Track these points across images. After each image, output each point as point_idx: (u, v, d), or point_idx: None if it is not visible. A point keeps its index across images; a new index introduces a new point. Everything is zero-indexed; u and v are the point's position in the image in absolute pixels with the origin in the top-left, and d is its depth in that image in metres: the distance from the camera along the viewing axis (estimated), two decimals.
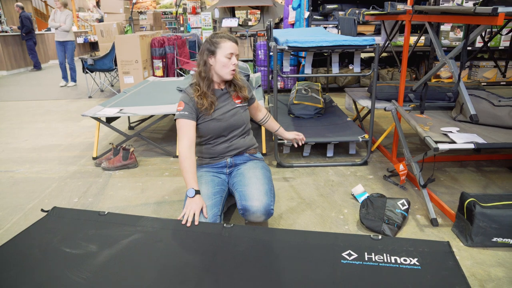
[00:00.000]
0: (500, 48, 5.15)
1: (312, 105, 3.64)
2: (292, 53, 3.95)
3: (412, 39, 4.99)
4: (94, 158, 3.11)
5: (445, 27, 5.18)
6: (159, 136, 3.74)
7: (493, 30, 3.30)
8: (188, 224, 1.71)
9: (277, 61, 2.69)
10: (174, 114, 3.26)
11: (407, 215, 2.05)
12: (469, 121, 2.29)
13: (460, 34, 5.26)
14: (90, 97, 5.81)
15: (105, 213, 1.89)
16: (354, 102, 3.75)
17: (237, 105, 2.04)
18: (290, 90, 5.54)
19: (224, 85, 2.04)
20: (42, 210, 1.92)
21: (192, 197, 1.78)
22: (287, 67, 2.82)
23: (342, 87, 5.64)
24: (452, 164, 2.82)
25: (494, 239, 1.81)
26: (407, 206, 2.03)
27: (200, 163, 2.10)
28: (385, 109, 2.75)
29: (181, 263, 1.50)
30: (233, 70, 1.95)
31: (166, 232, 1.73)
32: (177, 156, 3.13)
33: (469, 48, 4.89)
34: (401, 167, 2.41)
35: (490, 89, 3.09)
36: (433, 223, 2.02)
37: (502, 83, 5.47)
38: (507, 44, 5.15)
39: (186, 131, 1.90)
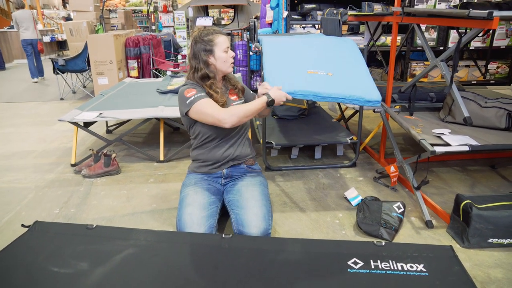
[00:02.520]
0: (471, 48, 5.33)
1: (296, 106, 3.61)
2: None
3: (388, 38, 5.07)
4: (72, 165, 2.95)
5: (423, 27, 5.30)
6: (139, 140, 3.60)
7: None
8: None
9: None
10: (157, 118, 3.15)
11: (403, 217, 2.04)
12: (458, 122, 2.32)
13: (434, 35, 5.40)
14: (61, 99, 5.54)
15: (93, 226, 1.77)
16: (338, 103, 3.76)
17: (235, 102, 1.98)
18: None
19: (222, 83, 1.99)
20: (22, 225, 1.78)
21: (272, 96, 1.77)
22: None
23: None
24: (438, 164, 2.86)
25: (490, 240, 1.83)
26: (402, 209, 2.03)
27: (195, 171, 2.01)
28: (374, 111, 2.75)
29: (182, 279, 1.42)
30: (232, 63, 1.93)
31: (161, 245, 1.64)
32: (161, 161, 3.01)
33: (441, 48, 5.02)
34: (392, 169, 2.41)
35: (477, 89, 3.16)
36: (428, 225, 2.03)
37: (473, 82, 5.66)
38: (477, 44, 5.33)
39: (213, 103, 1.79)
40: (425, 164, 2.52)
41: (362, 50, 2.75)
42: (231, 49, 1.93)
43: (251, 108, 1.76)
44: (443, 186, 2.51)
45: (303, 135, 3.08)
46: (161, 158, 3.03)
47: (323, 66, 2.12)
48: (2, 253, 1.60)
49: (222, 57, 1.86)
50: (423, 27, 5.34)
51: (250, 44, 4.79)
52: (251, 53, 4.96)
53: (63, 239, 1.68)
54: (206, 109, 1.77)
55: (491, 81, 5.21)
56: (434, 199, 2.31)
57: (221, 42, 1.85)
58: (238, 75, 4.79)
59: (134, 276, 1.43)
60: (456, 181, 2.59)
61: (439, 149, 1.87)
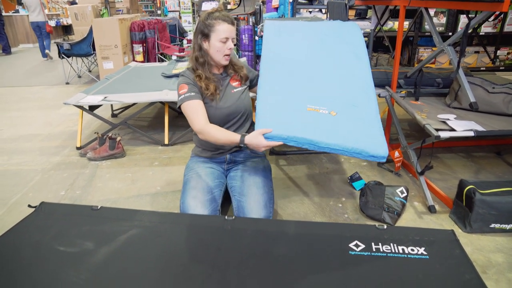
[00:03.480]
0: (481, 34, 5.23)
1: None
2: None
3: (396, 23, 4.99)
4: (78, 148, 2.97)
5: (431, 12, 5.20)
6: (144, 124, 3.62)
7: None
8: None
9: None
10: (161, 102, 3.16)
11: (406, 202, 2.05)
12: (464, 108, 2.30)
13: (443, 20, 5.31)
14: (67, 83, 5.55)
15: (98, 207, 1.79)
16: None
17: (237, 89, 1.92)
18: None
19: (222, 69, 1.92)
20: (29, 206, 1.81)
21: (246, 142, 1.64)
22: None
23: None
24: (443, 150, 2.85)
25: (492, 225, 1.83)
26: (406, 194, 2.03)
27: (198, 155, 2.01)
28: (379, 96, 2.73)
29: (185, 259, 1.45)
30: (228, 56, 1.81)
31: (165, 227, 1.66)
32: (165, 145, 3.03)
33: (450, 33, 4.93)
34: (397, 154, 2.41)
35: (486, 75, 3.12)
36: (431, 210, 2.04)
37: (482, 68, 5.58)
38: (488, 30, 5.23)
39: (199, 109, 1.75)
40: (430, 149, 2.51)
41: (368, 35, 2.72)
42: (236, 34, 1.87)
43: (225, 138, 1.70)
44: (447, 172, 2.51)
45: None
46: (166, 142, 3.05)
47: (327, 100, 1.78)
48: (10, 233, 1.64)
49: (216, 46, 1.76)
50: (431, 11, 5.25)
51: (256, 29, 4.74)
52: (256, 37, 4.91)
53: (69, 220, 1.71)
54: (189, 113, 1.76)
55: (501, 67, 5.13)
56: (437, 184, 2.31)
57: (221, 31, 1.74)
58: (243, 59, 4.76)
59: (138, 256, 1.46)
60: (461, 167, 2.58)
61: (443, 134, 1.86)
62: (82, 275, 1.35)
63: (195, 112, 1.75)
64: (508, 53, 4.74)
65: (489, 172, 2.50)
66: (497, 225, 1.83)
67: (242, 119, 1.93)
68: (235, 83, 1.93)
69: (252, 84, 2.05)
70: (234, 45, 2.04)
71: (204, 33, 1.78)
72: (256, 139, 1.61)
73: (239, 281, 1.32)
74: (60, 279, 1.34)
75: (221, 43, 1.76)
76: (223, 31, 1.74)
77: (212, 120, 1.81)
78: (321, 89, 1.84)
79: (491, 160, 2.69)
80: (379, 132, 1.68)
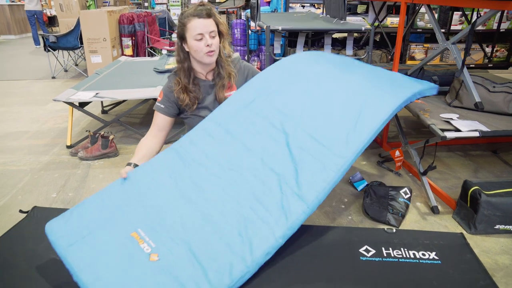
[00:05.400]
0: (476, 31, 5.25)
1: None
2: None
3: (389, 20, 4.97)
4: (68, 147, 2.86)
5: (423, 9, 5.19)
6: (136, 120, 3.52)
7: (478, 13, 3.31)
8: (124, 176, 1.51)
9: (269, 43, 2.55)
10: (154, 99, 3.06)
11: (410, 203, 2.02)
12: (465, 107, 2.29)
13: (435, 16, 5.30)
14: (53, 77, 5.37)
15: None
16: None
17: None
18: None
19: (212, 75, 1.76)
20: (20, 211, 1.72)
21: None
22: (278, 49, 2.69)
23: None
24: (440, 149, 2.84)
25: (497, 226, 1.82)
26: (409, 195, 2.01)
27: None
28: None
29: None
30: (211, 52, 1.64)
31: None
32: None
33: (442, 30, 4.93)
34: (397, 153, 2.38)
35: (477, 72, 3.12)
36: (434, 211, 2.02)
37: (471, 65, 5.61)
38: (483, 28, 5.26)
39: (156, 124, 1.74)
40: (432, 149, 2.49)
41: (368, 31, 2.68)
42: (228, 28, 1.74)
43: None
44: (446, 171, 2.50)
45: None
46: None
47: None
48: (1, 241, 1.55)
49: (193, 46, 1.62)
50: (423, 8, 5.24)
51: (249, 22, 4.65)
52: (249, 31, 4.83)
53: None
54: (152, 122, 1.79)
55: (489, 65, 5.17)
56: (438, 184, 2.29)
57: (192, 28, 1.59)
58: (236, 54, 4.68)
59: None
60: (459, 166, 2.58)
61: (450, 135, 1.83)
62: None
63: (152, 125, 1.78)
64: (496, 50, 4.76)
65: (487, 171, 2.50)
66: (502, 226, 1.82)
67: None
68: (228, 93, 1.76)
69: None
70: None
71: (180, 34, 1.66)
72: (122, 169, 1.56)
73: (247, 287, 1.27)
74: None
75: (196, 41, 1.61)
76: (194, 28, 1.60)
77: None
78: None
79: (488, 158, 2.69)
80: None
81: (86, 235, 1.30)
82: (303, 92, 1.66)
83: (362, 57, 2.73)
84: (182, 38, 1.66)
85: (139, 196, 1.43)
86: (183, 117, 1.82)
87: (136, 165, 1.60)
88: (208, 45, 1.61)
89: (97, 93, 2.87)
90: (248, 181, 1.39)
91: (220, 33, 1.69)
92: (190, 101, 1.71)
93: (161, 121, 1.75)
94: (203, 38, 1.61)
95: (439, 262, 1.41)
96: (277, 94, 1.66)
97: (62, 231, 1.32)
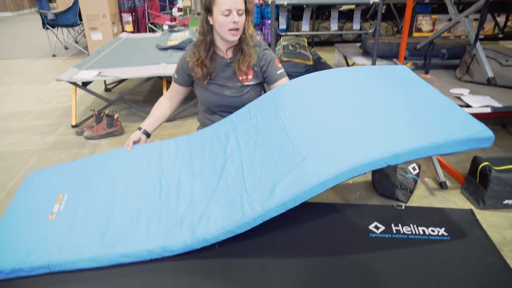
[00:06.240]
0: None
1: (301, 62, 3.48)
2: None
3: None
4: (73, 126, 2.85)
5: None
6: (140, 98, 3.49)
7: None
8: (129, 149, 1.71)
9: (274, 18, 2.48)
10: (160, 77, 3.02)
11: (418, 179, 2.02)
12: (476, 82, 2.24)
13: None
14: (54, 55, 5.30)
15: None
16: (345, 58, 3.63)
17: (243, 84, 1.72)
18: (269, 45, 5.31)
19: (232, 54, 1.71)
20: None
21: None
22: (283, 24, 2.63)
23: (325, 42, 5.48)
24: None
25: (506, 202, 1.82)
26: (417, 170, 2.00)
27: None
28: None
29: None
30: (236, 30, 1.60)
31: None
32: (166, 120, 2.93)
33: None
34: None
35: (488, 44, 3.04)
36: (443, 186, 2.02)
37: (481, 36, 5.48)
38: None
39: (172, 89, 1.85)
40: None
41: (376, 4, 2.60)
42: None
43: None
44: None
45: None
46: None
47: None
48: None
49: (219, 20, 1.57)
50: None
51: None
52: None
53: None
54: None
55: (499, 35, 5.05)
56: (446, 159, 2.28)
57: (221, 2, 1.55)
58: (262, 41, 4.56)
59: None
60: None
61: None
62: None
63: (169, 88, 1.87)
64: (507, 20, 4.62)
65: (496, 146, 2.48)
66: (511, 201, 1.82)
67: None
68: (242, 77, 1.73)
69: (266, 80, 1.79)
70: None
71: (206, 6, 1.61)
72: (133, 134, 1.78)
73: (259, 266, 1.28)
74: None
75: (223, 17, 1.56)
76: (223, 2, 1.55)
77: (205, 102, 1.78)
78: None
79: (497, 133, 2.63)
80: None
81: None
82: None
83: (370, 31, 2.67)
84: (208, 10, 1.61)
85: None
86: (195, 87, 1.82)
87: (145, 131, 1.75)
88: (234, 22, 1.56)
89: (100, 72, 2.83)
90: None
91: (246, 11, 1.62)
92: (202, 75, 1.70)
93: (176, 88, 1.83)
94: (230, 15, 1.56)
95: (448, 238, 1.42)
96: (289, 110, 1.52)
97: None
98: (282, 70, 1.74)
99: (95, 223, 1.33)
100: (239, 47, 1.68)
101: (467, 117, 1.28)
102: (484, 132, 1.20)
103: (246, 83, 1.73)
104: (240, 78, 1.72)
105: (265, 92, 1.75)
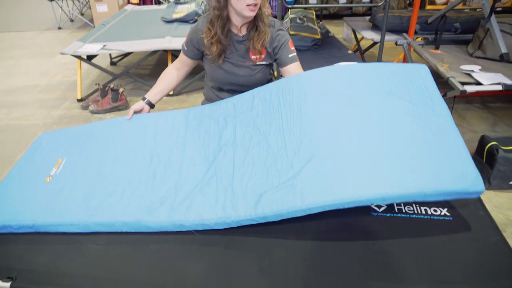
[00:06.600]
0: None
1: (309, 36, 3.40)
2: None
3: None
4: (79, 100, 2.86)
5: None
6: (145, 72, 3.46)
7: None
8: (127, 118, 1.64)
9: None
10: (165, 50, 2.98)
11: None
12: (488, 58, 2.17)
13: None
14: (59, 28, 5.25)
15: None
16: (354, 32, 3.54)
17: (255, 63, 1.66)
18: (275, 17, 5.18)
19: (246, 31, 1.62)
20: None
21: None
22: None
23: (334, 15, 5.33)
24: (458, 100, 2.75)
25: (511, 182, 1.80)
26: None
27: None
28: (396, 43, 2.57)
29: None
30: (254, 6, 1.48)
31: None
32: (170, 95, 2.93)
33: None
34: None
35: (505, 18, 2.92)
36: None
37: (497, 8, 5.27)
38: None
39: (180, 60, 1.74)
40: (449, 101, 2.41)
41: None
42: None
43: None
44: (463, 124, 2.44)
45: (317, 67, 2.92)
46: (170, 92, 2.93)
47: None
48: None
49: None
50: None
51: None
52: None
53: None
54: None
55: None
56: None
57: None
58: (277, 21, 4.45)
59: None
60: (477, 119, 2.51)
61: (470, 89, 1.76)
62: None
63: (177, 59, 1.75)
64: None
65: (506, 125, 2.43)
66: None
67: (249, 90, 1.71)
68: (256, 56, 1.66)
69: (277, 61, 1.71)
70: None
71: None
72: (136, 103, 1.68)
73: (256, 250, 1.29)
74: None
75: None
76: None
77: (213, 78, 1.72)
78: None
79: (508, 111, 2.61)
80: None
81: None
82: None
83: (380, 3, 2.57)
84: None
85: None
86: (204, 61, 1.75)
87: (149, 102, 1.68)
88: None
89: (104, 45, 2.80)
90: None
91: None
92: (217, 53, 1.61)
93: (184, 60, 1.73)
94: None
95: (451, 218, 1.40)
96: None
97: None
98: (295, 53, 1.67)
99: (82, 190, 1.36)
100: (254, 24, 1.59)
101: (466, 160, 1.22)
102: (476, 186, 1.15)
103: (258, 63, 1.67)
104: (253, 57, 1.66)
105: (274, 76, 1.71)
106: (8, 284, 1.09)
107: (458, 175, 1.18)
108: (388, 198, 1.16)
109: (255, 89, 1.59)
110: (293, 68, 1.65)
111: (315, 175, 1.24)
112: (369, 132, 1.31)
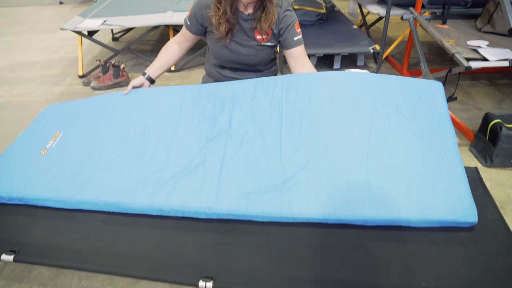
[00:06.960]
0: None
1: (314, 10, 3.32)
2: None
3: None
4: (80, 77, 2.84)
5: None
6: (147, 47, 3.43)
7: None
8: (125, 92, 1.62)
9: None
10: (166, 26, 2.94)
11: None
12: (497, 33, 2.10)
13: None
14: (61, 2, 5.18)
15: None
16: (360, 6, 3.45)
17: (260, 44, 1.61)
18: None
19: (252, 9, 1.57)
20: None
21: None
22: None
23: None
24: (464, 77, 2.69)
25: None
26: None
27: (206, 82, 1.89)
28: (402, 18, 2.50)
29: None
30: None
31: None
32: (172, 71, 2.90)
33: None
34: None
35: None
36: None
37: None
38: None
39: (182, 35, 1.69)
40: (455, 77, 2.37)
41: None
42: None
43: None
44: (468, 101, 2.40)
45: (322, 43, 2.87)
46: (172, 68, 2.90)
47: None
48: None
49: None
50: None
51: None
52: None
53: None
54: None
55: None
56: (458, 115, 2.22)
57: None
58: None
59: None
60: (482, 96, 2.46)
61: (475, 65, 1.71)
62: None
63: (179, 33, 1.70)
64: None
65: None
66: None
67: (257, 72, 1.72)
68: (262, 36, 1.61)
69: (281, 43, 1.66)
70: None
71: None
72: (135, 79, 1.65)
73: (248, 231, 1.29)
74: None
75: None
76: None
77: (217, 56, 1.67)
78: None
79: None
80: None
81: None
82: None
83: None
84: None
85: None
86: (207, 37, 1.71)
87: (149, 77, 1.64)
88: None
89: (105, 21, 2.76)
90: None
91: None
92: (225, 32, 1.56)
93: (186, 35, 1.68)
94: None
95: None
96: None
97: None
98: (300, 36, 1.63)
99: (72, 166, 1.36)
100: (261, 4, 1.54)
101: (462, 188, 1.20)
102: (468, 217, 1.14)
103: (263, 43, 1.62)
104: (258, 37, 1.61)
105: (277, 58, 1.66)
106: (11, 257, 1.11)
107: (451, 204, 1.16)
108: (370, 221, 1.15)
109: (259, 78, 1.54)
110: (297, 52, 1.61)
111: (306, 185, 1.21)
112: (367, 151, 1.28)
